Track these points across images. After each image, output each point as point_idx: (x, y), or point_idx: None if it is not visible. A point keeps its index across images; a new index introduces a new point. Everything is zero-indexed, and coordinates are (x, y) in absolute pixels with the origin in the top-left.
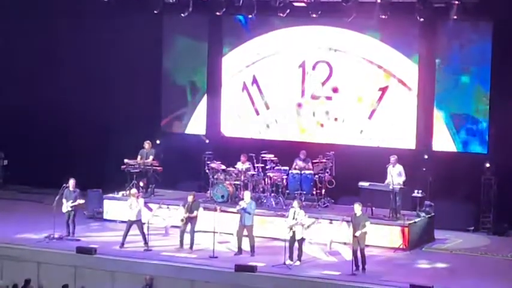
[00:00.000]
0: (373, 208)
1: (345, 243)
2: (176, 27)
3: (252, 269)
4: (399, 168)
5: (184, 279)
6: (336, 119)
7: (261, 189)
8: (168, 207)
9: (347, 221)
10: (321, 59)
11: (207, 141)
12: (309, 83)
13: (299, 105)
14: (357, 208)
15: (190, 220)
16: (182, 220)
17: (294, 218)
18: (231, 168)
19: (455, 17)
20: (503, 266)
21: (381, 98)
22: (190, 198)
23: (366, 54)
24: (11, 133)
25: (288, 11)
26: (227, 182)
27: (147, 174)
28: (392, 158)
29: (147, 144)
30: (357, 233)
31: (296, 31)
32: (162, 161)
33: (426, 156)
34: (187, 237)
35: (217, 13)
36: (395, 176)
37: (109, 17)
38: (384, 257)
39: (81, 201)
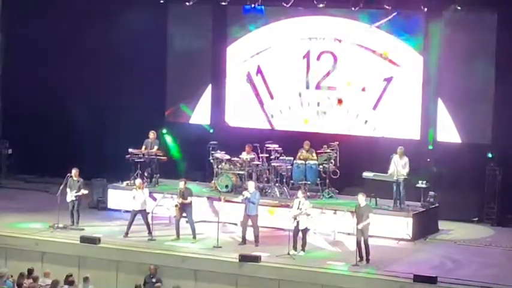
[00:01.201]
0: (377, 198)
1: (348, 234)
2: (181, 17)
3: (256, 259)
4: (405, 159)
5: (188, 269)
6: (340, 107)
7: (266, 179)
8: (172, 197)
9: (351, 212)
10: (325, 49)
11: (211, 131)
12: (313, 74)
13: (300, 94)
14: (361, 199)
15: (185, 208)
16: (177, 205)
17: (298, 208)
18: (236, 158)
19: (459, 8)
20: (507, 257)
21: (385, 88)
22: (181, 185)
23: (371, 45)
24: (16, 122)
25: (293, 0)
26: (231, 172)
27: (151, 163)
28: (400, 150)
29: (151, 134)
30: (360, 226)
31: (301, 21)
32: (165, 151)
33: (431, 147)
34: (183, 228)
35: (222, 3)
36: (400, 167)
37: (114, 6)
38: (387, 248)
39: (85, 191)
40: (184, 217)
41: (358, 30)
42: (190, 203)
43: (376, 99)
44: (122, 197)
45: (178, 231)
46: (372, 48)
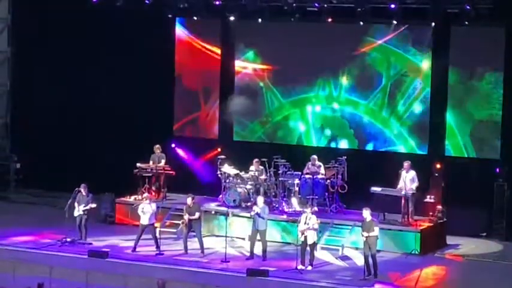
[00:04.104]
0: (385, 213)
1: (356, 248)
2: (189, 31)
3: (264, 273)
4: (412, 173)
5: (196, 283)
6: (347, 124)
7: (273, 194)
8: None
9: (358, 226)
10: (334, 63)
11: (219, 149)
12: (322, 88)
13: (309, 108)
14: (366, 213)
15: (194, 223)
16: (183, 222)
17: (305, 223)
18: (244, 173)
19: (467, 22)
20: None
21: (393, 103)
22: (189, 201)
23: (379, 59)
24: (24, 136)
25: (299, 15)
26: (239, 187)
27: (159, 178)
28: (406, 164)
29: (157, 149)
30: (365, 234)
31: (308, 35)
32: (173, 166)
33: (439, 166)
34: (191, 243)
35: (231, 18)
36: (408, 181)
37: (121, 22)
38: (396, 263)
39: (93, 205)
40: (192, 231)
41: (366, 45)
42: (199, 218)
43: (384, 113)
44: (129, 211)
45: (186, 245)
46: (380, 63)
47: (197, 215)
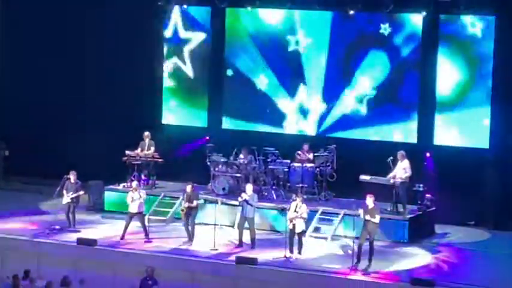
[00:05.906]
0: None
1: (345, 236)
2: (179, 19)
3: (253, 261)
4: (405, 163)
5: (185, 271)
6: (337, 112)
7: (262, 182)
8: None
9: (347, 215)
10: (323, 49)
11: (208, 137)
12: (313, 76)
13: (299, 97)
14: (369, 201)
15: (191, 211)
16: (183, 210)
17: (295, 211)
18: (233, 161)
19: (458, 10)
20: (503, 261)
21: (383, 91)
22: (188, 188)
23: (369, 47)
24: (13, 124)
25: (290, 3)
26: (228, 175)
27: (148, 165)
28: (399, 154)
29: (146, 137)
30: (367, 217)
31: (298, 22)
32: (162, 153)
33: (428, 154)
34: (181, 231)
35: (222, 5)
36: (400, 171)
37: (112, 9)
38: (385, 251)
39: (82, 192)
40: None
41: (357, 32)
42: (196, 206)
43: (374, 102)
44: (118, 199)
45: (189, 233)
46: (371, 51)
47: (195, 203)
